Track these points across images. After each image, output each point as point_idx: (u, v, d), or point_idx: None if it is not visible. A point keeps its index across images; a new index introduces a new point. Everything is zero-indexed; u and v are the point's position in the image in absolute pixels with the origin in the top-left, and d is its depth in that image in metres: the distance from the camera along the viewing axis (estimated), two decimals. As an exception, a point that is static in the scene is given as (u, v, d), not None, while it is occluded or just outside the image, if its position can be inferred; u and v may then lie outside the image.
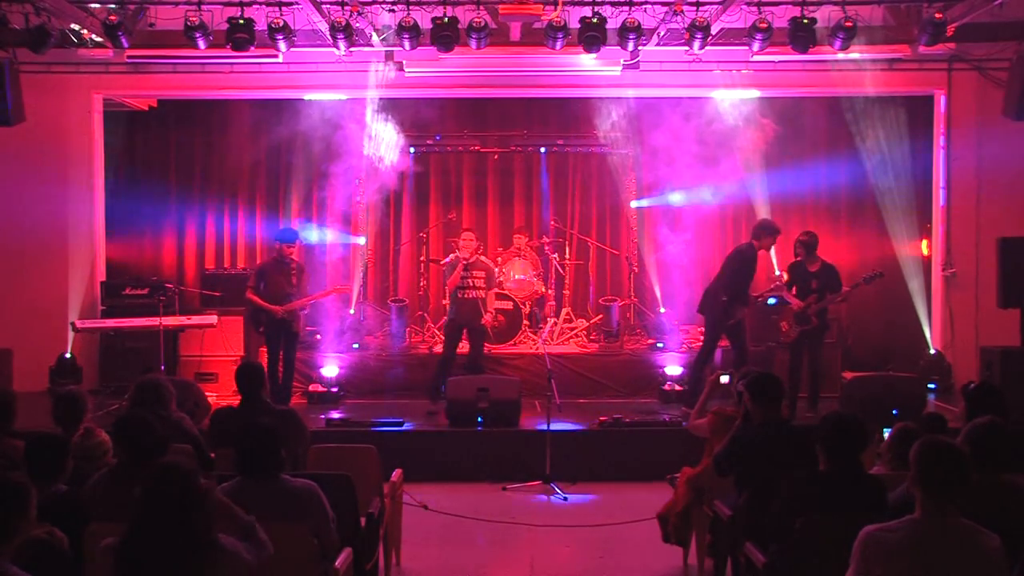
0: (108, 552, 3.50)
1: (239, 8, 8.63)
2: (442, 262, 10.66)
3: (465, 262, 9.50)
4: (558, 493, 7.94)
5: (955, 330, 10.90)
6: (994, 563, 3.45)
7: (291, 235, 9.58)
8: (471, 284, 9.52)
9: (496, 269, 10.34)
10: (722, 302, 9.12)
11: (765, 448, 5.05)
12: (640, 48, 9.35)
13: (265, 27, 8.60)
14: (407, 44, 8.79)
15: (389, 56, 10.32)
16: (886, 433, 5.36)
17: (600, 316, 11.49)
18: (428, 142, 12.23)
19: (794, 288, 9.22)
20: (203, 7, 8.54)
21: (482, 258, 9.93)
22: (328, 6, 8.82)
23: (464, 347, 9.78)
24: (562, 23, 8.62)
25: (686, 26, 8.72)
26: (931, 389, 10.18)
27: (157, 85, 11.05)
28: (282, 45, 8.78)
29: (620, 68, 10.33)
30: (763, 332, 10.26)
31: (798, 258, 9.30)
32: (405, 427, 8.73)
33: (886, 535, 3.49)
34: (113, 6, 8.71)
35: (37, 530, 3.60)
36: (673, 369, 10.23)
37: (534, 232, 12.34)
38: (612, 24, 8.83)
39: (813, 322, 9.07)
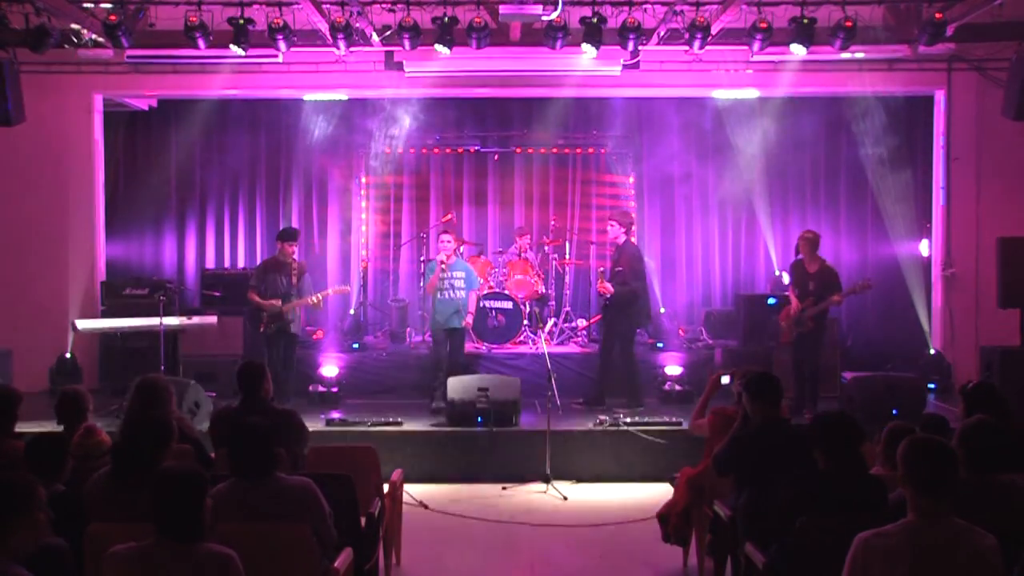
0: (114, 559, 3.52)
1: (239, 8, 8.63)
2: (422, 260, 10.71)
3: (443, 264, 9.51)
4: (558, 493, 7.95)
5: (955, 330, 10.90)
6: (990, 563, 3.44)
7: (291, 234, 9.66)
8: (450, 285, 9.53)
9: (477, 275, 10.26)
10: None
11: (765, 448, 5.04)
12: (640, 48, 9.36)
13: (265, 27, 8.60)
14: (407, 44, 8.79)
15: (389, 56, 10.33)
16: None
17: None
18: (428, 142, 12.24)
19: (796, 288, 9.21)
20: (203, 7, 8.54)
21: (462, 260, 9.94)
22: (328, 6, 8.82)
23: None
24: (562, 23, 8.62)
25: (686, 26, 8.73)
26: (931, 389, 10.17)
27: (157, 85, 11.05)
28: (282, 45, 8.78)
29: (620, 68, 10.33)
30: (763, 332, 10.26)
31: (799, 256, 9.26)
32: (405, 427, 8.72)
33: (881, 540, 3.47)
34: (113, 6, 8.70)
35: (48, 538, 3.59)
36: (673, 369, 10.21)
37: (534, 232, 12.33)
38: (612, 24, 8.84)
39: (809, 325, 9.02)
